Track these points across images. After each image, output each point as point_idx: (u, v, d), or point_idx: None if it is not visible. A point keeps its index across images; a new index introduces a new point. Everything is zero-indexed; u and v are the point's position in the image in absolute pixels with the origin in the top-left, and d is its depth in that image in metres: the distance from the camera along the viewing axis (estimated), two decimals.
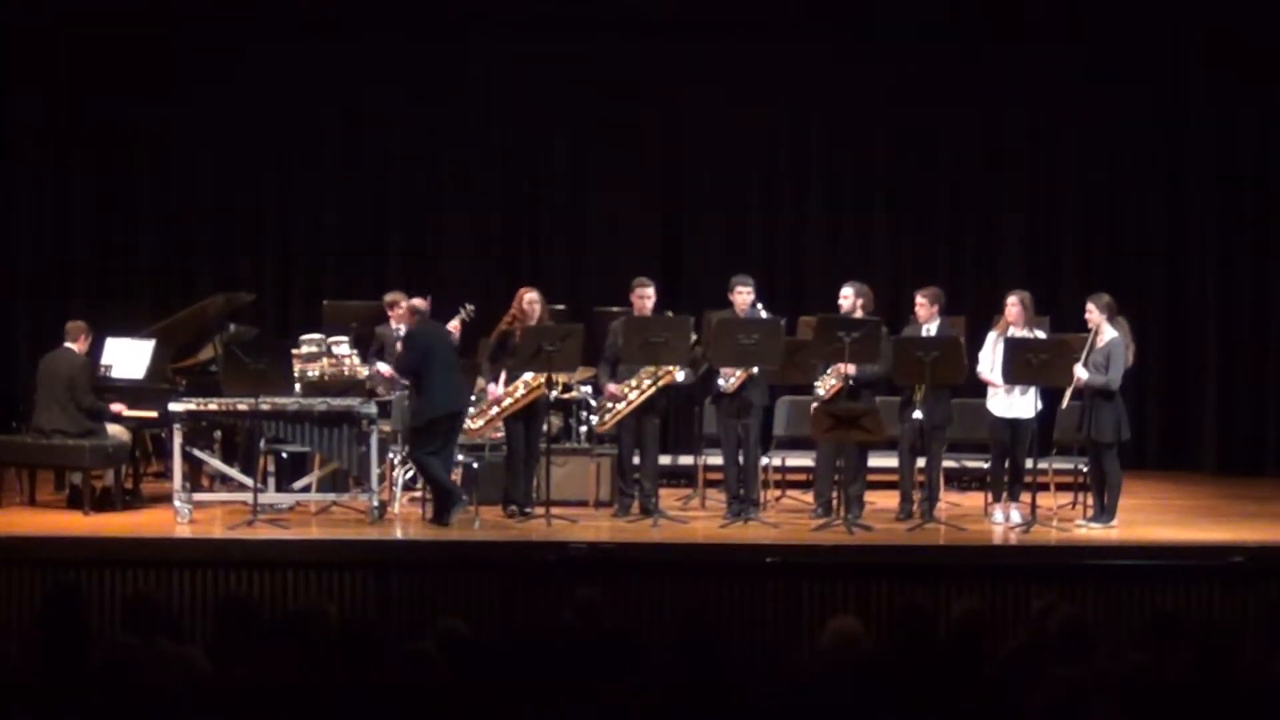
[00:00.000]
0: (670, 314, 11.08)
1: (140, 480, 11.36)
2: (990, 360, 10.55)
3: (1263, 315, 13.77)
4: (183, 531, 10.21)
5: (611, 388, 10.74)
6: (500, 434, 10.95)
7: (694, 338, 10.79)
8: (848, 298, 10.77)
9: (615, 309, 11.45)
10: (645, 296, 10.86)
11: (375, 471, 10.55)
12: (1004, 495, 10.70)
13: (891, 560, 9.69)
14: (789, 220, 14.30)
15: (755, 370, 10.53)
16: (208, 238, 14.12)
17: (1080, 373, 10.26)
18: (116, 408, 10.94)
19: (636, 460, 10.82)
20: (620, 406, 10.67)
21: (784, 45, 13.97)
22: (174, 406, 10.49)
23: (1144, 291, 13.74)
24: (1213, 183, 13.85)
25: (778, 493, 11.76)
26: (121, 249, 14.10)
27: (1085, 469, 10.87)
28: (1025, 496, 10.60)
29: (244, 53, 13.89)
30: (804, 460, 11.43)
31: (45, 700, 5.28)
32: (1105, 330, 10.42)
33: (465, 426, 10.95)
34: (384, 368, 11.67)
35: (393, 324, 11.87)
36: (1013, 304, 10.58)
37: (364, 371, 11.31)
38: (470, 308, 11.74)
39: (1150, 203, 14.00)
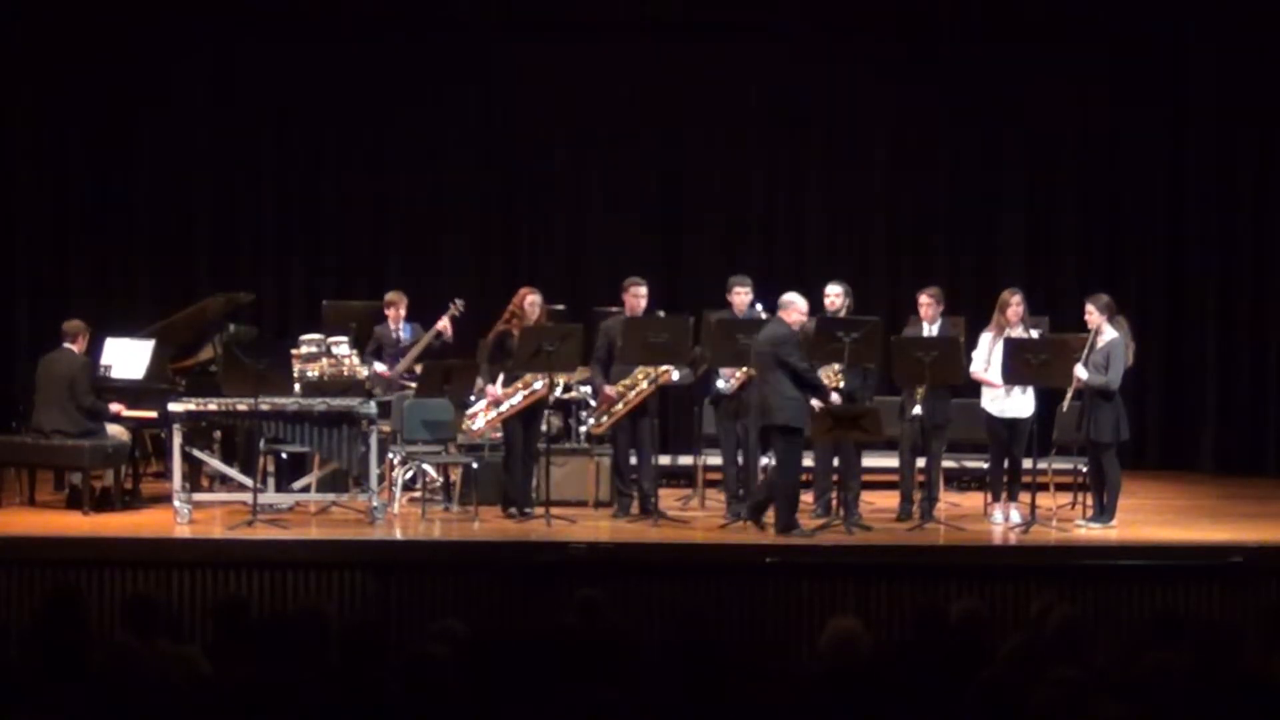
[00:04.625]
0: (662, 313, 11.06)
1: (140, 480, 11.36)
2: (985, 360, 10.54)
3: (1263, 315, 13.76)
4: (182, 531, 10.20)
5: (609, 390, 10.73)
6: (500, 434, 10.95)
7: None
8: (839, 295, 10.75)
9: (614, 309, 11.46)
10: (638, 295, 10.85)
11: (375, 471, 10.55)
12: (1004, 495, 10.70)
13: (891, 560, 9.70)
14: (788, 220, 14.31)
15: (755, 371, 10.52)
16: (208, 238, 14.13)
17: (1080, 373, 10.26)
18: (116, 408, 10.94)
19: (634, 461, 10.82)
20: (618, 408, 10.67)
21: (784, 45, 13.96)
22: (174, 406, 10.48)
23: (1144, 291, 13.75)
24: (1213, 182, 13.85)
25: None
26: (121, 249, 14.10)
27: (1085, 469, 10.87)
28: (1025, 496, 10.60)
29: (244, 53, 13.90)
30: (804, 460, 11.40)
31: (45, 700, 5.28)
32: (1105, 330, 10.42)
33: (464, 427, 10.96)
34: (381, 368, 11.68)
35: (390, 324, 11.91)
36: (1018, 302, 10.56)
37: (364, 372, 11.32)
38: (459, 303, 11.78)
39: (1150, 203, 14.00)
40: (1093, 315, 10.46)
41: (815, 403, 10.11)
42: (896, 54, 13.98)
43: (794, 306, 10.19)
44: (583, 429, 11.91)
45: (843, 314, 10.63)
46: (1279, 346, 13.75)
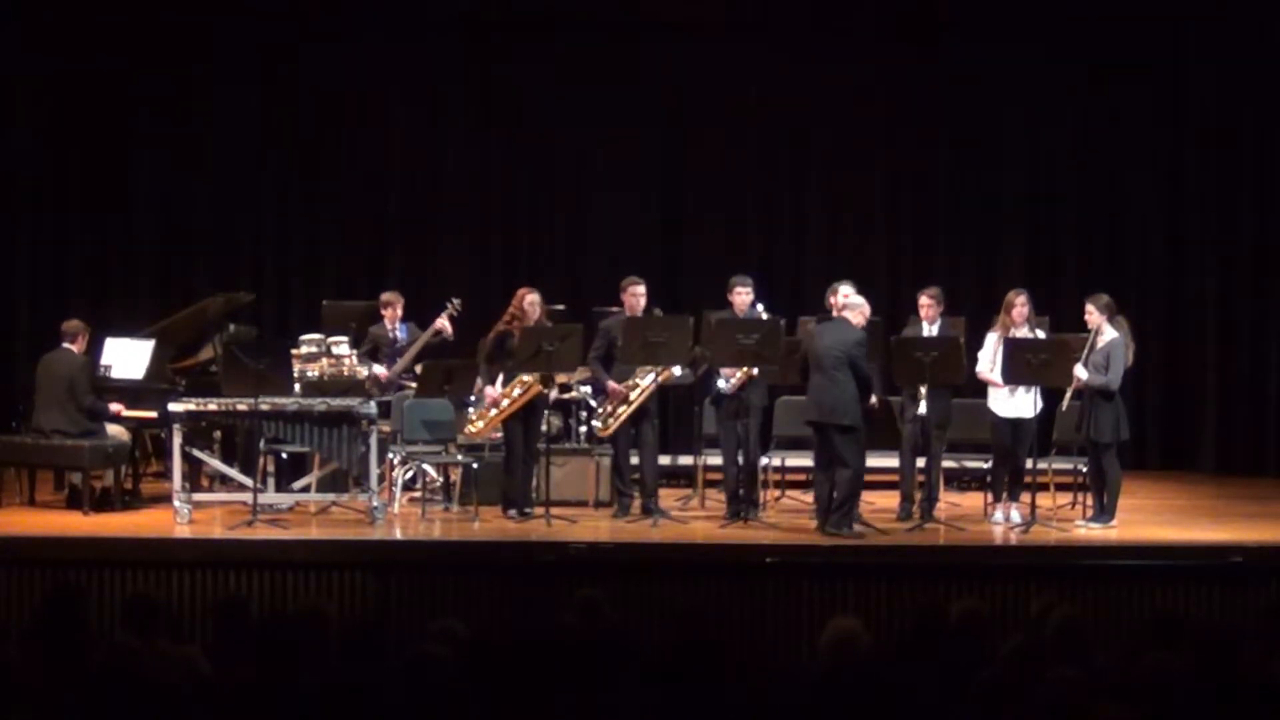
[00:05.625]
0: (658, 312, 11.04)
1: (140, 480, 11.36)
2: (990, 360, 10.54)
3: (1263, 315, 13.76)
4: (182, 531, 10.20)
5: (614, 385, 10.71)
6: (500, 434, 10.94)
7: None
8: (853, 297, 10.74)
9: (614, 309, 11.46)
10: (637, 295, 10.85)
11: (375, 471, 10.55)
12: (1004, 495, 10.69)
13: (891, 560, 9.70)
14: (788, 220, 14.31)
15: (755, 371, 10.52)
16: (208, 238, 14.13)
17: (1080, 373, 10.26)
18: (116, 408, 10.94)
19: (635, 461, 10.81)
20: (622, 409, 10.65)
21: (784, 46, 13.96)
22: (174, 406, 10.48)
23: (1144, 291, 13.75)
24: (1213, 182, 13.85)
25: (777, 493, 11.76)
26: (121, 249, 14.10)
27: (1085, 469, 10.87)
28: (1025, 496, 10.60)
29: (244, 52, 13.89)
30: (804, 460, 11.42)
31: (45, 700, 5.28)
32: (1105, 330, 10.42)
33: (466, 431, 10.94)
34: (378, 369, 11.67)
35: (386, 324, 11.91)
36: (1023, 302, 10.55)
37: (363, 372, 11.32)
38: (457, 302, 11.78)
39: (1150, 203, 14.00)
40: (1093, 315, 10.46)
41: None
42: (896, 54, 13.97)
43: (861, 309, 10.24)
44: (583, 427, 11.91)
45: None
46: (1279, 346, 13.75)
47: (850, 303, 10.29)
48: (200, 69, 13.89)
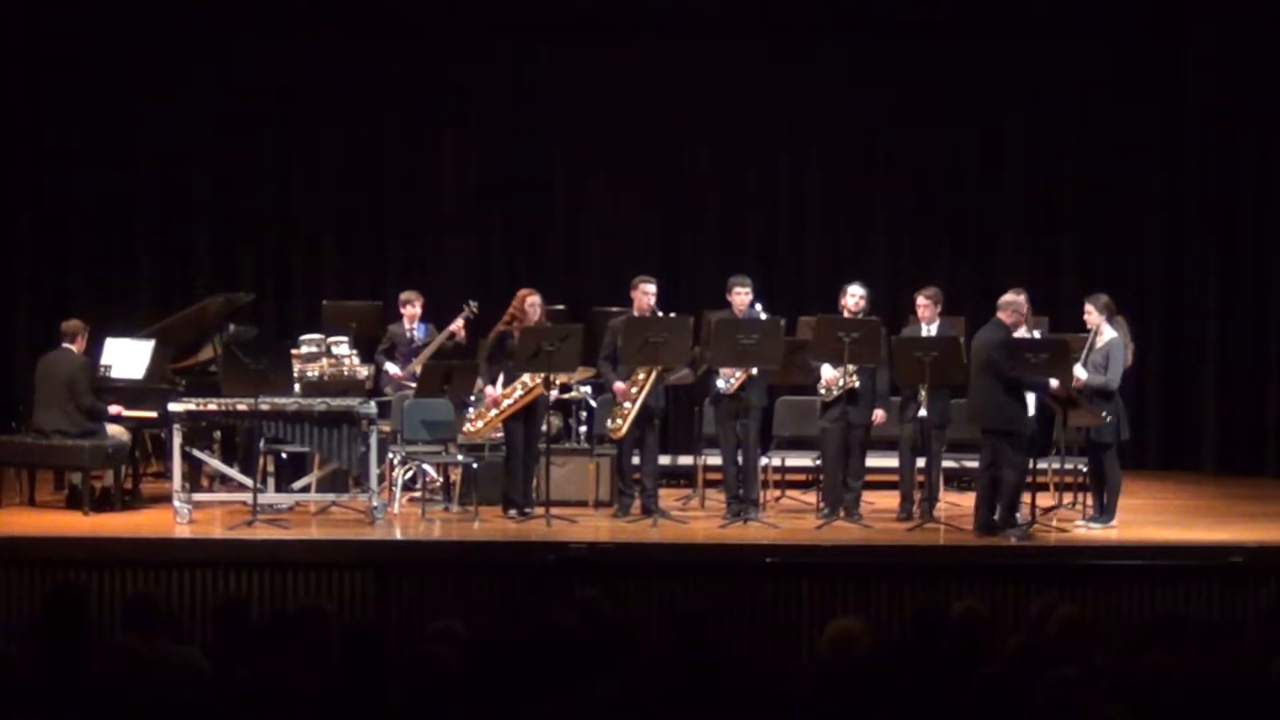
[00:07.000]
0: (660, 313, 11.04)
1: (140, 480, 11.35)
2: None
3: (1263, 315, 13.75)
4: (182, 531, 10.20)
5: (620, 385, 10.70)
6: (500, 434, 10.94)
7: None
8: (864, 297, 10.72)
9: (615, 309, 11.45)
10: (647, 293, 10.84)
11: (375, 471, 10.55)
12: None
13: (891, 560, 9.69)
14: (788, 220, 14.31)
15: (755, 371, 10.52)
16: (208, 238, 14.13)
17: (1079, 373, 10.26)
18: (115, 408, 10.93)
19: (636, 460, 10.81)
20: (629, 407, 10.64)
21: (784, 45, 13.96)
22: (174, 406, 10.48)
23: (1144, 291, 13.75)
24: (1213, 182, 13.85)
25: (777, 493, 11.76)
26: (121, 249, 14.10)
27: (1085, 469, 10.86)
28: (1025, 496, 10.59)
29: (245, 52, 13.89)
30: (804, 460, 11.44)
31: (45, 700, 5.28)
32: (1104, 330, 10.42)
33: (465, 431, 10.94)
34: (392, 368, 11.68)
35: (405, 323, 11.92)
36: (1023, 302, 10.52)
37: (364, 371, 11.31)
38: (474, 304, 11.79)
39: (1150, 202, 14.00)
40: (1092, 315, 10.46)
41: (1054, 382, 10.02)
42: (896, 54, 13.96)
43: (1011, 308, 10.15)
44: (582, 428, 11.90)
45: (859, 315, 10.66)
46: (1279, 347, 13.74)
47: (1002, 301, 10.20)
48: (200, 68, 13.88)
